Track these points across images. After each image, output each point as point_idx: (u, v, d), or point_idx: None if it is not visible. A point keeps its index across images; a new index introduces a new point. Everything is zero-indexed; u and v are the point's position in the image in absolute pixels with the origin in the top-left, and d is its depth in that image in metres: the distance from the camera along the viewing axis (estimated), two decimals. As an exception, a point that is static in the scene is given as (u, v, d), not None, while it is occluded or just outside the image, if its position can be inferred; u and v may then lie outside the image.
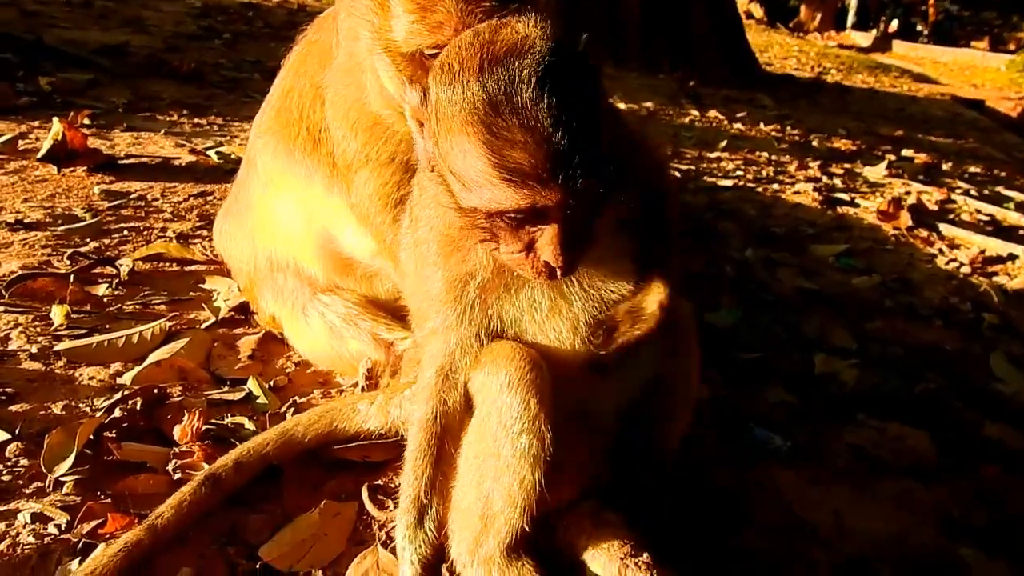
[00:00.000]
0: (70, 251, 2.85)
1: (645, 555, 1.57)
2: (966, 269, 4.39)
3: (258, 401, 2.24)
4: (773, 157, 7.17)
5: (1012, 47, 26.41)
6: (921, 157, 8.08)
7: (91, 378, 2.21)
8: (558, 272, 1.36)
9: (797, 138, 8.52)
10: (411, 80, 1.92)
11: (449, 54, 1.34)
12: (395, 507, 1.87)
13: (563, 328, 1.56)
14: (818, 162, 7.09)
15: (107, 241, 3.06)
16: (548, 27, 1.32)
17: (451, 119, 1.29)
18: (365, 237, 2.30)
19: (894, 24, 28.82)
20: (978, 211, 5.76)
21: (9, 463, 1.84)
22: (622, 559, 1.52)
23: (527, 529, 1.56)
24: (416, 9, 1.68)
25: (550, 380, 1.52)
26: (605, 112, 1.41)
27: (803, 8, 27.53)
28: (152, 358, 2.30)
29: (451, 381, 1.58)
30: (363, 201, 2.19)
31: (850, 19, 29.74)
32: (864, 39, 25.50)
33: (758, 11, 24.17)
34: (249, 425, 2.11)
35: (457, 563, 1.60)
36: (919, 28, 30.46)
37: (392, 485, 1.96)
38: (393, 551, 1.70)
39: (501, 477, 1.51)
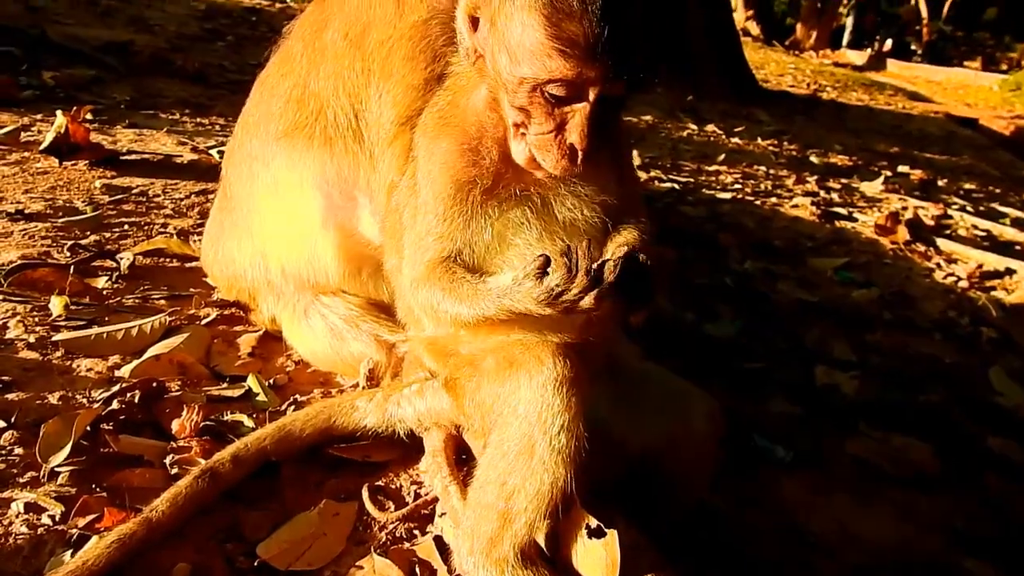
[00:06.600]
0: (70, 243, 2.82)
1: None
2: (964, 283, 4.40)
3: (258, 399, 2.21)
4: (771, 171, 7.18)
5: (1005, 67, 26.56)
6: (917, 173, 8.12)
7: (89, 370, 2.18)
8: (578, 156, 1.46)
9: (794, 153, 8.55)
10: None
11: None
12: (395, 508, 1.86)
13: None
14: (815, 177, 7.11)
15: (107, 235, 3.03)
16: None
17: None
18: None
19: (888, 43, 28.93)
20: (974, 226, 5.79)
21: (3, 451, 1.80)
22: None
23: (544, 531, 1.53)
24: None
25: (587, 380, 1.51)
26: None
27: (799, 27, 27.69)
28: (151, 352, 2.27)
29: (451, 272, 1.59)
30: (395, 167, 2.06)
31: (845, 38, 29.94)
32: (859, 58, 25.64)
33: (755, 28, 24.25)
34: (248, 422, 2.08)
35: (466, 562, 1.56)
36: (913, 47, 30.66)
37: (393, 486, 1.94)
38: (387, 554, 1.68)
39: (532, 475, 1.48)
